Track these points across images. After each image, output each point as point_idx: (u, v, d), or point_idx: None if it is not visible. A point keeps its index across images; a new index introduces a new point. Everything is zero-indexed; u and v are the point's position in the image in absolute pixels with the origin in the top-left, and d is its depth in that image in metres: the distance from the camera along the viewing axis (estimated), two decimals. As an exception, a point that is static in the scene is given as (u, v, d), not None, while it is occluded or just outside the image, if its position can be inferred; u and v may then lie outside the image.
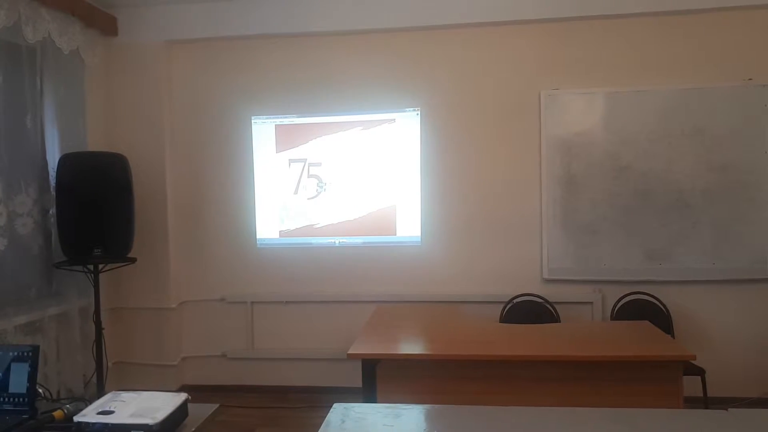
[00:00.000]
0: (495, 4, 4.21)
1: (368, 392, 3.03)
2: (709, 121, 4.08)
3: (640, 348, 3.02)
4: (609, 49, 4.21)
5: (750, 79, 4.05)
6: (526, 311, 4.13)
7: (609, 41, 4.21)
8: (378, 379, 3.01)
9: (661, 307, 4.04)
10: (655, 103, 4.13)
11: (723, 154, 4.07)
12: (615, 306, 4.11)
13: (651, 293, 4.10)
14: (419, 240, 4.45)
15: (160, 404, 1.78)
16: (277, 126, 4.56)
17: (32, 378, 1.94)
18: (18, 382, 1.93)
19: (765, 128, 4.03)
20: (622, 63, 4.20)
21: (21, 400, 1.91)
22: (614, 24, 4.19)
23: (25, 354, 1.97)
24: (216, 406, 1.98)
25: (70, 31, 3.92)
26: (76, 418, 1.72)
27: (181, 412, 1.82)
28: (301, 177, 4.56)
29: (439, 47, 4.38)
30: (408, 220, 4.47)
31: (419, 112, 4.42)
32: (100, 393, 3.64)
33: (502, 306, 4.18)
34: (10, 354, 1.96)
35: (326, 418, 1.86)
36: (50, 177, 3.80)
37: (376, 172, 4.48)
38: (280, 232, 4.60)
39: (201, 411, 1.92)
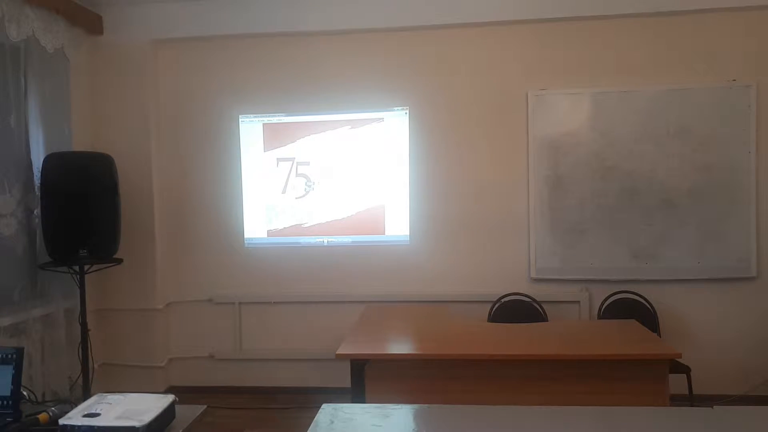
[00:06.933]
0: (483, 5, 4.22)
1: (357, 392, 3.03)
2: (694, 122, 4.12)
3: (626, 346, 3.05)
4: (596, 50, 4.24)
5: (734, 80, 4.10)
6: (514, 310, 4.15)
7: (596, 42, 4.24)
8: (367, 379, 3.01)
9: (648, 305, 4.08)
10: (641, 104, 4.16)
11: (708, 154, 4.12)
12: (602, 305, 4.14)
13: (637, 292, 4.13)
14: (408, 239, 4.45)
15: (146, 406, 1.77)
16: (264, 125, 4.54)
17: (16, 380, 1.92)
18: (2, 385, 1.91)
19: (749, 128, 4.08)
20: (608, 64, 4.23)
21: (5, 402, 1.90)
22: (601, 25, 4.21)
23: (10, 356, 1.95)
24: (204, 407, 1.98)
25: (54, 29, 3.87)
26: (61, 421, 1.70)
27: (168, 414, 1.81)
28: (289, 176, 4.54)
29: (428, 47, 4.38)
30: (397, 220, 4.47)
31: (407, 112, 4.42)
32: (86, 395, 3.63)
33: (490, 305, 4.20)
34: (-6, 356, 1.94)
35: (315, 419, 1.86)
36: (35, 177, 3.75)
37: (365, 171, 4.48)
38: (268, 231, 4.58)
39: (188, 412, 1.91)
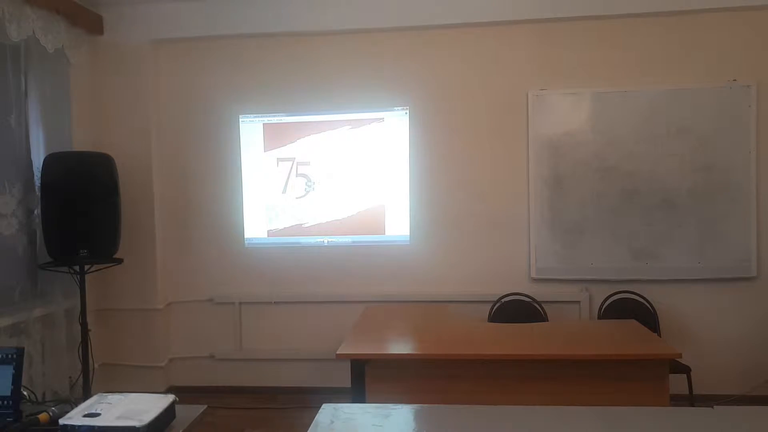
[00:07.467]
0: (483, 5, 4.22)
1: (357, 392, 3.03)
2: (694, 122, 4.12)
3: (626, 346, 3.05)
4: (596, 50, 4.24)
5: (734, 80, 4.10)
6: (515, 310, 4.15)
7: (596, 42, 4.23)
8: (367, 379, 3.01)
9: (648, 305, 4.08)
10: (641, 104, 4.16)
11: (708, 154, 4.12)
12: (602, 305, 4.14)
13: (637, 292, 4.13)
14: (408, 239, 4.45)
15: (147, 406, 1.77)
16: (265, 125, 4.54)
17: (17, 380, 1.92)
18: (2, 385, 1.91)
19: (749, 128, 4.08)
20: (608, 64, 4.23)
21: (5, 402, 1.90)
22: (601, 25, 4.21)
23: (10, 356, 1.95)
24: (204, 407, 1.98)
25: (54, 29, 3.87)
26: (61, 421, 1.70)
27: (168, 414, 1.81)
28: (289, 176, 4.54)
29: (428, 47, 4.38)
30: (397, 220, 4.47)
31: (408, 112, 4.42)
32: (86, 395, 3.63)
33: (490, 305, 4.20)
34: (-6, 356, 1.94)
35: (315, 419, 1.86)
36: (35, 177, 3.75)
37: (365, 171, 4.48)
38: (268, 231, 4.58)
39: (189, 412, 1.91)
